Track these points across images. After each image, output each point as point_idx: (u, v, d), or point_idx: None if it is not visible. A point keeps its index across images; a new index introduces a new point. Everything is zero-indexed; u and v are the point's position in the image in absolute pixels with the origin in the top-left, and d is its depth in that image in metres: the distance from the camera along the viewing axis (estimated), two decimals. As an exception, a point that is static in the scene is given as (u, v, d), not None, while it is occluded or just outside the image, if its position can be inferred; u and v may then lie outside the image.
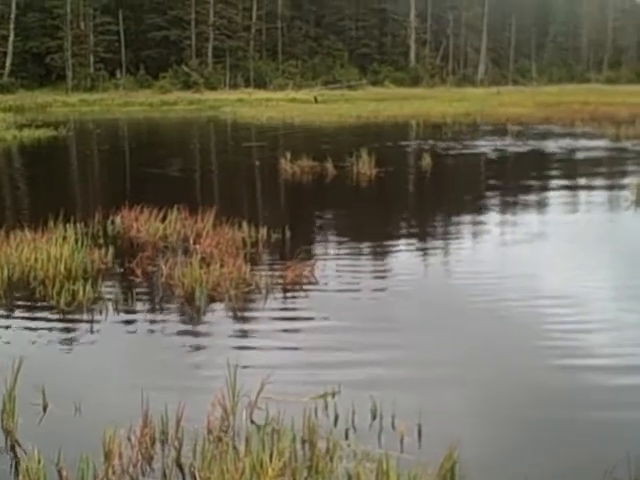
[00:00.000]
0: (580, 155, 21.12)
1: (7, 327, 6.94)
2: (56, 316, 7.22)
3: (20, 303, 7.73)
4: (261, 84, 68.75)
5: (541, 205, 13.81)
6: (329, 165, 17.29)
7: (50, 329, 6.88)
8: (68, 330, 6.88)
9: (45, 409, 5.19)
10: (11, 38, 64.01)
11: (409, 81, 77.46)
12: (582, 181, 16.93)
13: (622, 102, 42.72)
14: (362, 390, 5.27)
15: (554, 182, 16.56)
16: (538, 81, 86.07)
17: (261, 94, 60.50)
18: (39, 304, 7.54)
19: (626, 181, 15.49)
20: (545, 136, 26.74)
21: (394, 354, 6.15)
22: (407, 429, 4.78)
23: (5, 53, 63.98)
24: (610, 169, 18.80)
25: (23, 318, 7.27)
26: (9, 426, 4.88)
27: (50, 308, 7.39)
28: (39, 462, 4.26)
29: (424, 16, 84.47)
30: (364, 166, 17.22)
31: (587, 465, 4.43)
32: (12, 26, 63.98)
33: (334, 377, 5.52)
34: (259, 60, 73.54)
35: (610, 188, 15.58)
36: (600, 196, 14.58)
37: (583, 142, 24.23)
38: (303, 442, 4.64)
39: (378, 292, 8.02)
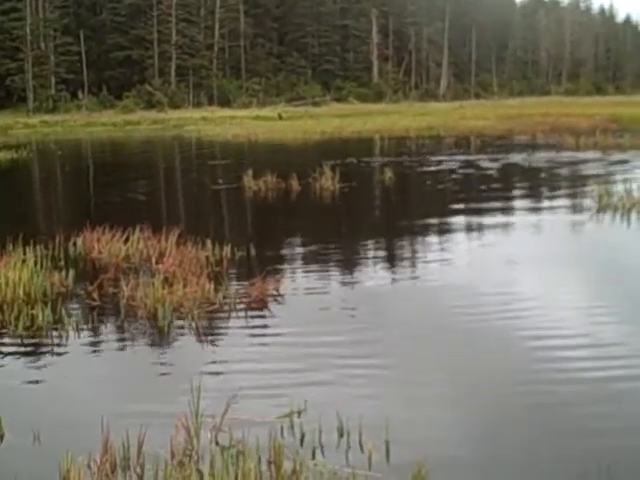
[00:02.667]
0: (541, 165, 21.35)
1: (-37, 354, 6.74)
2: (14, 342, 7.03)
3: (-23, 329, 7.53)
4: (225, 102, 68.69)
5: (503, 222, 13.88)
6: (293, 181, 17.24)
7: (8, 355, 6.70)
8: (27, 356, 6.71)
9: (2, 438, 5.03)
10: (-30, 60, 63.23)
11: (372, 96, 77.96)
12: (543, 190, 17.10)
13: (581, 113, 43.39)
14: (329, 408, 5.18)
15: (518, 193, 16.70)
16: (499, 94, 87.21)
17: (225, 112, 60.43)
18: (-3, 330, 7.35)
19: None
20: (508, 148, 27.01)
21: (360, 371, 6.08)
22: (375, 446, 4.71)
23: (-36, 75, 63.16)
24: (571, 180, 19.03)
25: (-20, 345, 7.08)
26: (-36, 457, 4.71)
27: (8, 334, 7.20)
28: (-6, 494, 4.12)
29: (386, 32, 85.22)
30: (327, 182, 17.20)
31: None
32: (-29, 48, 63.20)
33: (300, 395, 5.43)
34: (222, 78, 73.51)
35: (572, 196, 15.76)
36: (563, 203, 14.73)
37: (544, 154, 24.52)
38: (269, 463, 4.54)
39: (343, 309, 7.95)
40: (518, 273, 9.34)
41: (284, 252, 11.22)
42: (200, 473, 4.38)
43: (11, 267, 8.81)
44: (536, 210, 14.49)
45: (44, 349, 6.88)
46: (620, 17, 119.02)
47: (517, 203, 15.65)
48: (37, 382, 6.14)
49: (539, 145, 27.95)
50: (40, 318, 7.38)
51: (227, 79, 74.22)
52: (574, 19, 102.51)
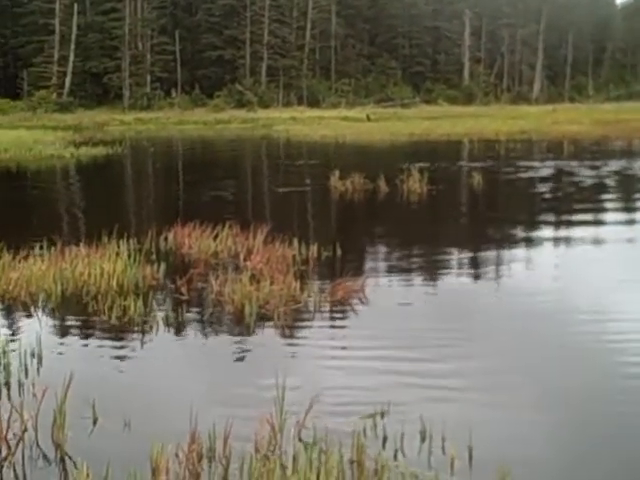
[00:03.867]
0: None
1: (59, 342, 7.03)
2: (107, 331, 7.29)
3: (73, 318, 7.84)
4: (314, 102, 69.21)
5: (594, 229, 13.50)
6: (381, 183, 17.23)
7: (101, 344, 6.95)
8: (119, 345, 6.95)
9: (95, 423, 5.22)
10: (71, 58, 65.77)
11: (463, 99, 77.09)
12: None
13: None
14: (412, 411, 5.17)
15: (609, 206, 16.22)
16: (595, 98, 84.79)
17: (314, 112, 60.86)
18: (91, 319, 7.63)
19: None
20: (604, 155, 26.25)
21: (445, 374, 6.04)
22: (457, 452, 4.67)
23: (65, 73, 65.72)
24: None
25: (75, 333, 7.37)
26: (59, 439, 4.91)
27: (102, 323, 7.48)
28: (87, 476, 4.29)
29: (478, 34, 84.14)
30: (415, 184, 17.12)
31: None
32: (73, 47, 65.73)
33: (383, 397, 5.43)
34: (312, 78, 74.10)
35: None
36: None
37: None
38: (351, 462, 4.57)
39: (429, 310, 7.92)
40: (624, 292, 9.07)
41: (370, 253, 11.23)
42: (283, 468, 4.44)
43: (106, 259, 9.14)
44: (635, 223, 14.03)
45: (135, 339, 7.10)
46: None
47: (614, 215, 15.12)
48: (128, 371, 6.35)
49: (636, 152, 27.05)
50: (132, 309, 7.63)
51: (317, 79, 74.79)
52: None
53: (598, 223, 13.62)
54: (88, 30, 67.27)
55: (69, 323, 7.68)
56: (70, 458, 4.73)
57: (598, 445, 4.92)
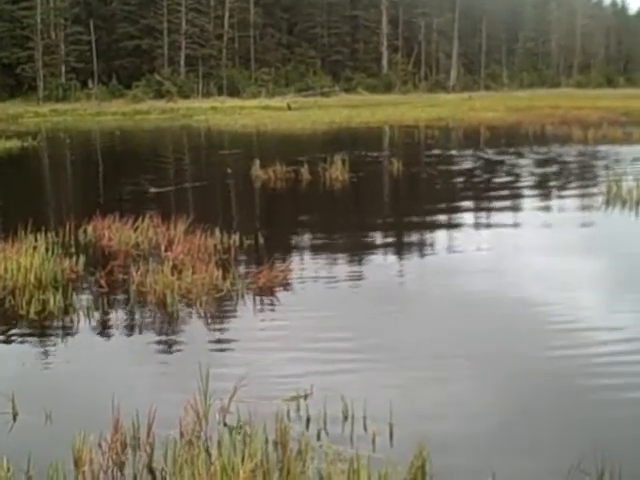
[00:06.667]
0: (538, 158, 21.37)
1: (-24, 337, 6.87)
2: (26, 326, 7.16)
3: (-10, 313, 7.66)
4: (234, 92, 68.75)
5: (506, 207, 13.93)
6: (303, 171, 17.33)
7: (21, 339, 6.83)
8: (39, 339, 6.84)
9: (15, 418, 5.15)
10: (-20, 49, 63.40)
11: (382, 87, 77.88)
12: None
13: (592, 106, 43.26)
14: (334, 392, 5.28)
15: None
16: (509, 86, 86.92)
17: (234, 102, 60.50)
18: (9, 314, 7.47)
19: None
20: (515, 140, 27.01)
21: (366, 356, 6.18)
22: (378, 429, 4.81)
23: (-26, 64, 63.37)
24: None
25: (-7, 328, 7.21)
26: (-22, 435, 4.83)
27: (20, 318, 7.33)
28: (8, 470, 4.24)
29: (395, 22, 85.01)
30: (337, 171, 17.28)
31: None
32: (-19, 37, 63.37)
33: (306, 380, 5.53)
34: (232, 68, 73.53)
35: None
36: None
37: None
38: (275, 444, 4.65)
39: (351, 295, 8.06)
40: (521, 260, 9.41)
41: (292, 241, 11.31)
42: (208, 453, 4.48)
43: (22, 253, 8.94)
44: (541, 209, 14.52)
45: (55, 333, 7.00)
46: (632, 10, 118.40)
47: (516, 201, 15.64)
48: (48, 364, 6.27)
49: (548, 137, 27.93)
50: (51, 303, 7.51)
51: (236, 69, 74.25)
52: (585, 11, 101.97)
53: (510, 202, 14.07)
54: (-3, 19, 65.06)
55: (-15, 319, 7.51)
56: (-11, 454, 4.66)
57: (515, 418, 5.14)
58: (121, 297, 8.05)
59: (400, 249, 10.62)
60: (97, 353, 6.55)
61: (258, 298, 7.88)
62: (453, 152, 23.85)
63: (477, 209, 14.05)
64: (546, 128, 31.61)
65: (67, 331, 7.03)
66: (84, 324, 7.19)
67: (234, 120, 41.53)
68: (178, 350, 6.55)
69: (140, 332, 6.98)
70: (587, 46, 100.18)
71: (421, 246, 10.77)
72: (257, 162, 18.07)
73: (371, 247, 10.72)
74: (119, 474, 4.43)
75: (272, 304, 7.77)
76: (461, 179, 17.93)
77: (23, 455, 4.41)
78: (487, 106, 46.87)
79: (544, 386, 5.59)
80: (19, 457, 4.38)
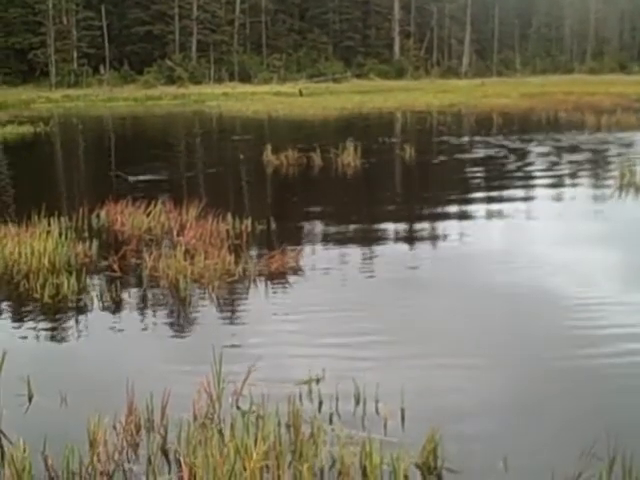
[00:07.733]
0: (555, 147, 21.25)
1: (-9, 320, 6.94)
2: (40, 309, 7.22)
3: (4, 297, 7.73)
4: (245, 78, 68.59)
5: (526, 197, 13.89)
6: (315, 156, 17.32)
7: (35, 322, 6.89)
8: (53, 322, 6.89)
9: (30, 400, 5.21)
10: (-7, 34, 63.51)
11: (393, 73, 77.48)
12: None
13: (605, 92, 42.94)
14: (346, 376, 5.30)
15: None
16: (522, 72, 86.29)
17: (246, 88, 60.35)
18: (23, 298, 7.53)
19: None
20: (528, 127, 26.86)
21: (378, 340, 6.20)
22: (390, 413, 4.83)
23: (-13, 50, 63.48)
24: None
25: (7, 312, 7.29)
26: (-6, 417, 4.89)
27: (34, 301, 7.39)
28: (24, 451, 4.28)
29: (408, 8, 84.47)
30: (349, 157, 17.26)
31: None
32: (-7, 22, 63.46)
33: (318, 364, 5.55)
34: (243, 54, 73.36)
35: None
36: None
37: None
38: (287, 427, 4.68)
39: (363, 280, 8.07)
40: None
41: (305, 226, 11.32)
42: (221, 435, 4.52)
43: (36, 237, 9.00)
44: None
45: (69, 316, 7.05)
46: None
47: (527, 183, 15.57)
48: (63, 347, 6.33)
49: (561, 123, 27.77)
50: (65, 287, 7.56)
51: (248, 55, 74.05)
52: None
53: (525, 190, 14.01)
54: (9, 5, 65.07)
55: (0, 302, 7.56)
56: (5, 436, 4.71)
57: (529, 403, 5.15)
58: (134, 281, 8.10)
59: (412, 236, 10.60)
60: (110, 337, 6.59)
61: (270, 283, 7.91)
62: (465, 139, 23.79)
63: (490, 197, 13.98)
64: (559, 114, 31.42)
65: (81, 315, 7.08)
66: (97, 308, 7.24)
67: (246, 106, 41.47)
68: (191, 334, 6.59)
69: (153, 316, 7.02)
70: (601, 32, 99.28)
71: (434, 233, 10.75)
72: (269, 148, 18.08)
73: (383, 233, 10.72)
74: (133, 455, 4.48)
75: (284, 289, 7.80)
76: (474, 166, 17.86)
77: (39, 436, 4.46)
78: (500, 92, 46.61)
79: (558, 373, 5.59)
80: (35, 438, 4.43)
